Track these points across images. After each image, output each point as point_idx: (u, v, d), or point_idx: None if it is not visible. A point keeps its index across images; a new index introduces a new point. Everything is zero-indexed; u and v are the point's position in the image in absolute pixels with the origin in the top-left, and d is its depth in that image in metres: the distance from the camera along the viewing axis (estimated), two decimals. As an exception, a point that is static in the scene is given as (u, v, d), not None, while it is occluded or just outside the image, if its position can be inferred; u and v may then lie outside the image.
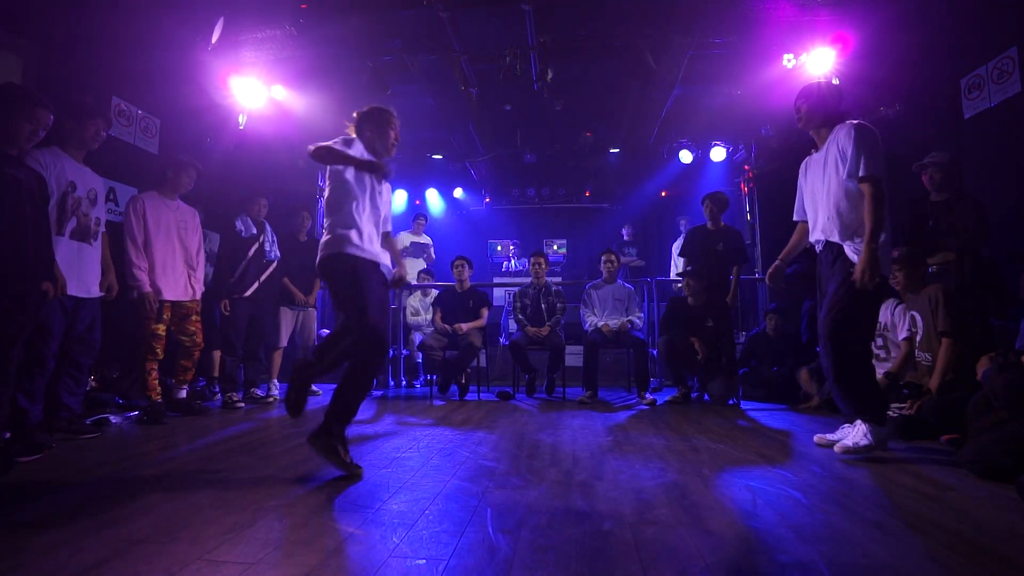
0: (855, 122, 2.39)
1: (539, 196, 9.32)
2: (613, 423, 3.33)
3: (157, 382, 3.43)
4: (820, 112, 2.51)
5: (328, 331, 6.12)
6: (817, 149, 2.57)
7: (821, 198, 2.49)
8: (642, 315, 4.89)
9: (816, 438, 2.67)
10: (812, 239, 2.59)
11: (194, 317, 3.64)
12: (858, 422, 2.35)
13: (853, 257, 2.32)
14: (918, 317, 3.09)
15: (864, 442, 2.28)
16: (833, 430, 2.65)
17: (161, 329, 3.44)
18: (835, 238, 2.40)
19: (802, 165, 2.70)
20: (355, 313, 2.09)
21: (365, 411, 3.85)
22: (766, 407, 4.09)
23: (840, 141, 2.39)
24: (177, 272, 3.54)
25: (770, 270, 2.80)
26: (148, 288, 3.36)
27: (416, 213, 7.40)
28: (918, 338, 3.10)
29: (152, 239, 3.42)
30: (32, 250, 2.35)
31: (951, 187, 3.47)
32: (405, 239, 6.82)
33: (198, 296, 3.65)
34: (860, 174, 2.30)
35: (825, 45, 4.57)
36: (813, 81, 2.68)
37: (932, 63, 4.34)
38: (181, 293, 3.55)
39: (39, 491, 1.88)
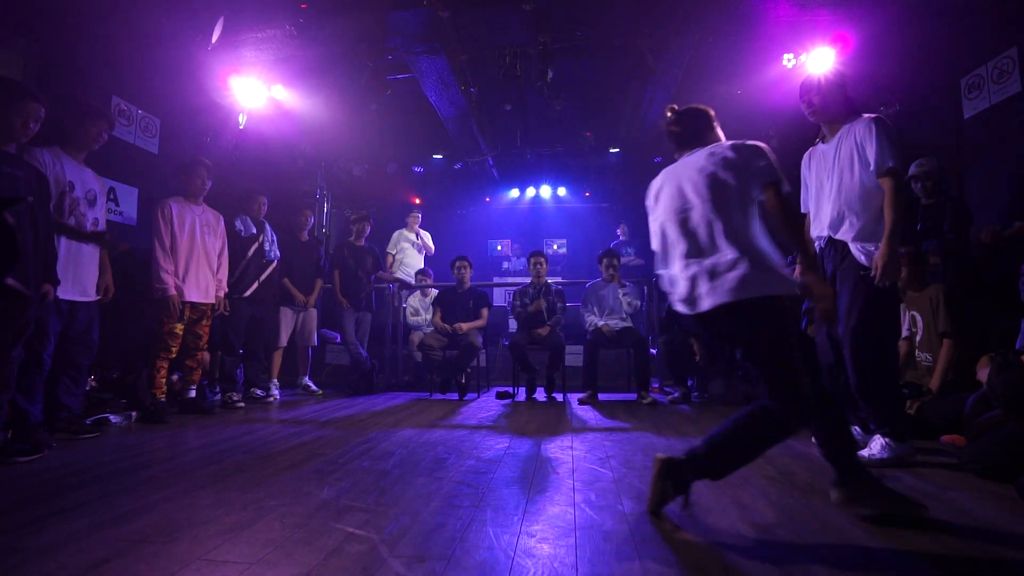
0: (874, 116, 2.29)
1: (539, 195, 9.34)
2: (613, 423, 3.33)
3: (164, 381, 3.47)
4: (833, 104, 2.38)
5: (328, 331, 6.12)
6: (825, 140, 2.45)
7: (828, 193, 2.39)
8: (640, 303, 4.91)
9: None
10: (813, 234, 2.49)
11: (205, 321, 3.70)
12: (876, 436, 2.25)
13: (860, 257, 2.24)
14: (918, 317, 3.09)
15: (880, 455, 2.19)
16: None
17: (179, 328, 3.51)
18: (842, 236, 2.31)
19: (805, 156, 2.59)
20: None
21: (365, 411, 3.85)
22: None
23: (858, 135, 2.29)
24: (200, 275, 3.62)
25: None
26: (173, 291, 3.44)
27: (410, 210, 7.06)
28: (918, 338, 3.10)
29: (177, 242, 3.51)
30: (31, 251, 2.34)
31: (939, 191, 3.50)
32: (401, 239, 6.67)
33: (214, 300, 3.72)
34: (887, 166, 2.20)
35: (825, 45, 4.56)
36: (818, 74, 2.55)
37: (932, 63, 4.34)
38: (202, 295, 3.63)
39: (39, 491, 1.88)
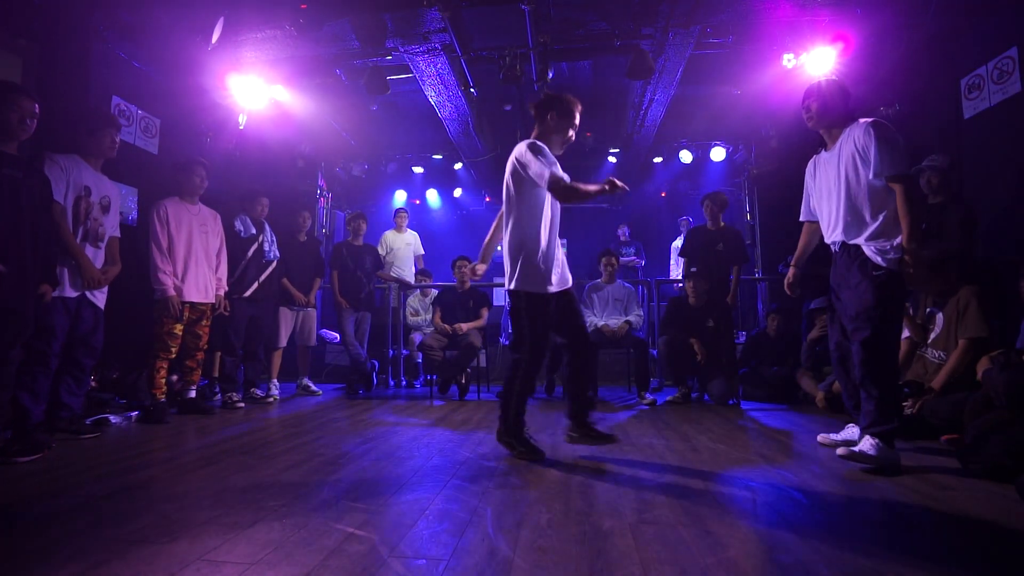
0: (871, 120, 2.33)
1: (539, 195, 9.32)
2: (613, 423, 3.33)
3: (164, 381, 3.47)
4: (831, 111, 2.44)
5: (327, 331, 6.12)
6: (827, 148, 2.51)
7: (836, 198, 2.42)
8: (642, 313, 4.88)
9: (820, 438, 2.67)
10: (828, 240, 2.53)
11: (204, 321, 3.69)
12: (867, 436, 2.23)
13: (876, 258, 2.26)
14: (939, 315, 3.04)
15: (870, 452, 2.17)
16: (837, 430, 2.66)
17: (179, 328, 3.51)
18: (853, 239, 2.34)
19: (809, 165, 2.63)
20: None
21: (365, 412, 3.85)
22: (766, 407, 4.09)
23: (858, 140, 2.32)
24: (199, 274, 3.61)
25: (788, 279, 2.74)
26: (172, 292, 3.44)
27: (396, 209, 6.60)
28: (933, 335, 3.04)
29: (174, 243, 3.51)
30: (30, 252, 2.34)
31: (947, 191, 3.48)
32: (392, 240, 6.31)
33: (214, 299, 3.71)
34: (889, 172, 2.24)
35: (825, 45, 4.56)
36: (819, 80, 2.58)
37: (932, 63, 4.33)
38: (202, 295, 3.62)
39: (39, 491, 1.88)
